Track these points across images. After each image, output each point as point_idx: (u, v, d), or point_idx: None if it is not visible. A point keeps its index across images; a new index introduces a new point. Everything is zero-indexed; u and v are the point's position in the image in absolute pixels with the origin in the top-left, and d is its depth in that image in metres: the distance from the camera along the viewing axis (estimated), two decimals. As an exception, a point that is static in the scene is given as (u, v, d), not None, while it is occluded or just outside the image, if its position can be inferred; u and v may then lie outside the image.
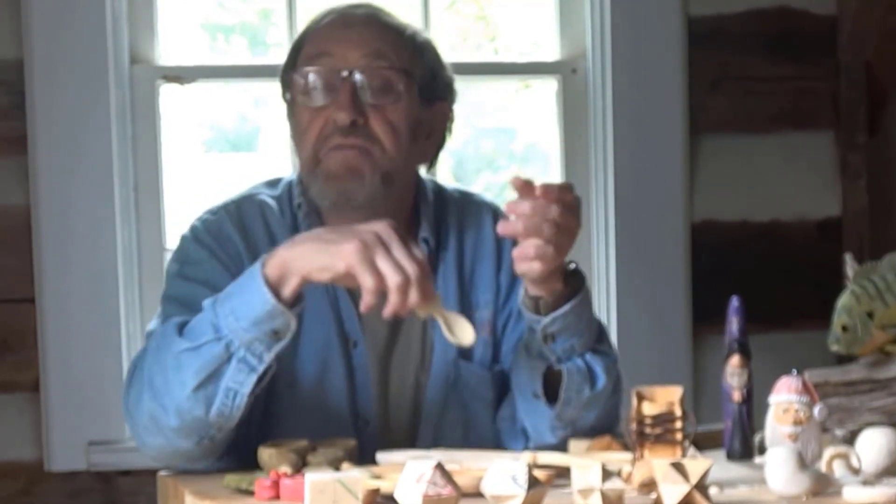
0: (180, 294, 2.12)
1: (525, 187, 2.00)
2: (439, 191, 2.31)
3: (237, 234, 2.17)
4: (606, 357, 2.17)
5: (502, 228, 2.02)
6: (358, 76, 2.14)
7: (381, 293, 1.93)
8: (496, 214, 2.30)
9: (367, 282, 1.92)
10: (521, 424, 2.18)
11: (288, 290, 1.95)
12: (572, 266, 2.12)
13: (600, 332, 2.19)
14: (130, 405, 2.05)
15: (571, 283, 2.10)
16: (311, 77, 2.16)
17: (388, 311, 1.94)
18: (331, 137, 2.14)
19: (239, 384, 1.96)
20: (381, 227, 1.95)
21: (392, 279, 1.91)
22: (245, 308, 1.94)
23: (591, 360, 2.14)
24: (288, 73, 2.22)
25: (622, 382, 2.22)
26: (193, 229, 2.20)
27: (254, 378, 1.96)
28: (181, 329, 2.00)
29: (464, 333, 1.99)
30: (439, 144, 2.27)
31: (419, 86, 2.19)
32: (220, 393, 1.96)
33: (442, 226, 2.26)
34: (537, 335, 2.11)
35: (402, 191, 2.21)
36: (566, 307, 2.09)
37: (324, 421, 2.14)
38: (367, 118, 2.14)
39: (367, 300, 1.93)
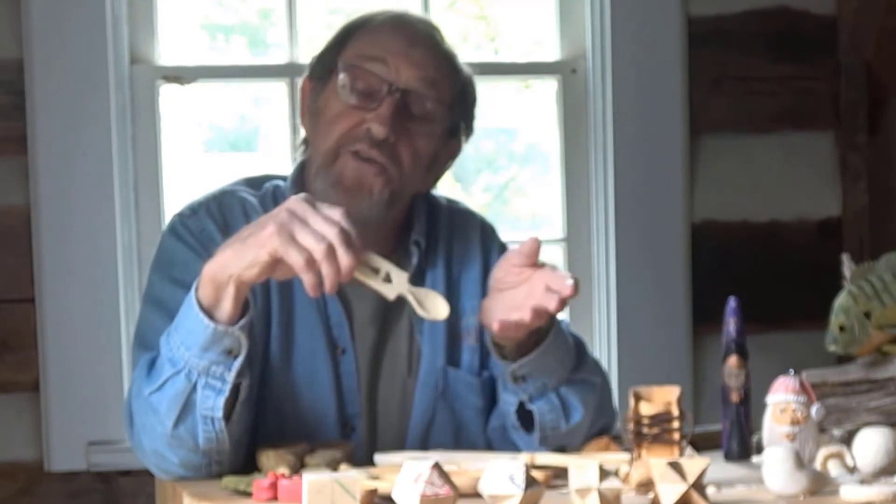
0: (164, 297, 2.09)
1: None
2: (428, 199, 2.29)
3: (219, 233, 2.12)
4: (584, 385, 2.14)
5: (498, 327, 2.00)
6: (404, 95, 2.12)
7: (318, 271, 1.88)
8: (482, 224, 2.31)
9: (294, 259, 1.87)
10: (511, 439, 2.17)
11: (228, 303, 1.91)
12: None
13: (579, 359, 2.15)
14: (135, 444, 2.06)
15: (540, 327, 2.07)
16: (358, 76, 2.13)
17: (327, 285, 1.88)
18: (358, 141, 2.11)
19: (211, 409, 1.95)
20: (293, 203, 1.91)
21: (316, 249, 1.86)
22: (190, 337, 1.93)
23: (567, 393, 2.11)
24: (331, 56, 2.18)
25: (609, 399, 2.21)
26: (174, 228, 2.16)
27: (222, 400, 1.95)
28: (150, 368, 1.99)
29: (436, 308, 1.95)
30: (439, 175, 2.26)
31: (451, 123, 2.19)
32: (199, 423, 1.96)
33: (432, 232, 2.25)
34: (508, 377, 2.09)
35: (400, 206, 2.19)
36: (533, 354, 2.07)
37: (310, 427, 2.12)
38: (398, 138, 2.11)
39: (306, 281, 1.88)
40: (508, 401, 2.12)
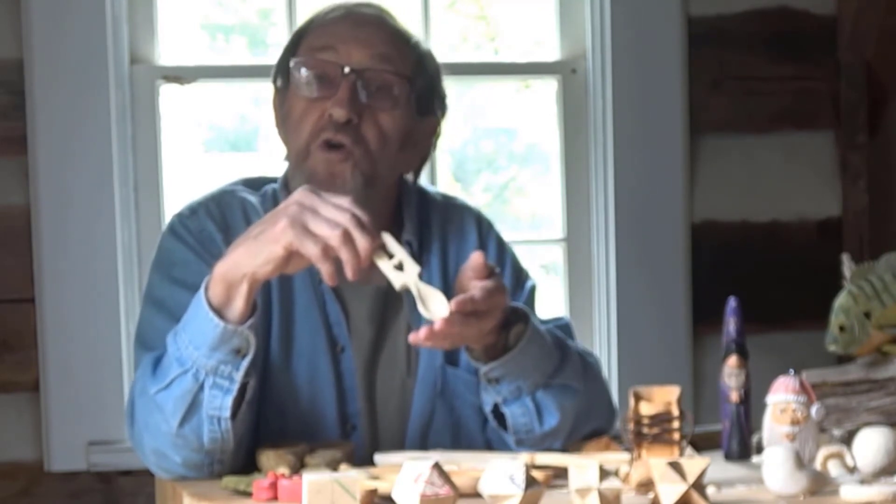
0: (164, 297, 2.09)
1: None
2: (422, 194, 2.29)
3: (219, 233, 2.13)
4: (564, 391, 2.12)
5: (413, 339, 1.96)
6: (359, 75, 2.13)
7: (334, 258, 1.89)
8: (479, 218, 2.31)
9: (310, 250, 1.88)
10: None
11: (240, 302, 1.92)
12: (513, 308, 2.07)
13: (562, 364, 2.13)
14: (135, 444, 2.06)
15: (515, 327, 2.06)
16: (312, 68, 2.14)
17: (349, 270, 1.89)
18: (323, 131, 2.11)
19: (218, 409, 1.96)
20: (300, 195, 1.92)
21: (332, 236, 1.88)
22: (199, 336, 1.93)
23: (542, 397, 2.10)
24: (286, 60, 2.20)
25: (601, 404, 2.20)
26: (174, 228, 2.17)
27: (230, 399, 1.95)
28: (155, 366, 2.00)
29: (437, 309, 1.93)
30: (424, 157, 2.26)
31: (416, 96, 2.18)
32: (205, 422, 1.96)
33: (425, 229, 2.25)
34: (482, 377, 2.08)
35: (385, 194, 2.19)
36: (504, 358, 2.05)
37: (311, 426, 2.12)
38: (361, 118, 2.12)
39: (324, 271, 1.89)
40: (486, 401, 2.13)
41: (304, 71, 2.15)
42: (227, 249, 1.96)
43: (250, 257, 1.91)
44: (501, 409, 2.11)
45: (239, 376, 1.95)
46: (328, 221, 1.89)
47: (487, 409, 2.13)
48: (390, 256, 1.95)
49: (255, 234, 1.93)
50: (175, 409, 1.96)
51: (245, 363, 1.95)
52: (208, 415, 1.96)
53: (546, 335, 2.12)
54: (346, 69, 2.13)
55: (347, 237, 1.89)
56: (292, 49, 2.21)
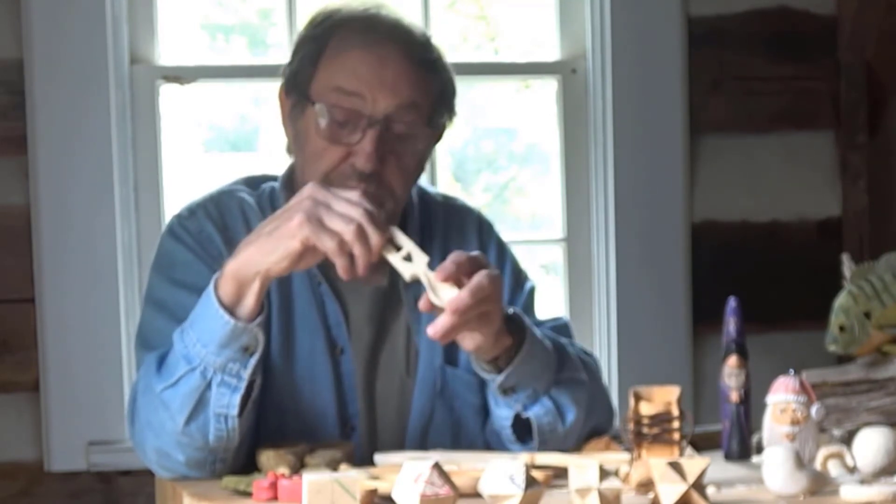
0: (165, 298, 2.10)
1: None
2: (424, 195, 2.29)
3: (218, 234, 2.14)
4: (572, 384, 2.13)
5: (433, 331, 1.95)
6: (386, 124, 2.09)
7: (349, 254, 1.90)
8: (479, 220, 2.31)
9: (326, 244, 1.90)
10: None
11: (251, 300, 1.93)
12: (510, 312, 2.08)
13: (561, 360, 2.13)
14: (136, 443, 2.06)
15: (515, 329, 2.07)
16: (336, 114, 2.09)
17: (361, 265, 1.91)
18: (346, 178, 2.08)
19: (225, 407, 1.96)
20: (312, 190, 1.93)
21: (346, 231, 1.90)
22: (208, 334, 1.94)
23: (558, 395, 2.11)
24: (305, 79, 2.13)
25: (601, 395, 2.21)
26: (172, 229, 2.16)
27: (238, 397, 1.96)
28: (160, 364, 2.00)
29: (448, 294, 1.94)
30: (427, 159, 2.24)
31: (434, 118, 2.16)
32: (212, 420, 1.96)
33: (426, 231, 2.25)
34: (498, 390, 2.08)
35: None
36: (516, 361, 2.05)
37: (311, 427, 2.12)
38: (384, 163, 2.09)
39: (339, 265, 1.91)
40: (503, 415, 2.12)
41: (326, 110, 2.10)
42: (238, 247, 1.97)
43: (264, 254, 1.92)
44: (524, 416, 2.10)
45: (247, 374, 1.96)
46: (342, 216, 1.91)
47: (507, 423, 2.11)
48: (398, 249, 1.96)
49: (269, 231, 1.93)
50: (182, 407, 1.96)
51: (253, 361, 1.96)
52: (215, 413, 1.96)
53: (541, 336, 2.12)
54: (373, 119, 2.08)
55: (361, 232, 1.91)
56: (310, 68, 2.13)
